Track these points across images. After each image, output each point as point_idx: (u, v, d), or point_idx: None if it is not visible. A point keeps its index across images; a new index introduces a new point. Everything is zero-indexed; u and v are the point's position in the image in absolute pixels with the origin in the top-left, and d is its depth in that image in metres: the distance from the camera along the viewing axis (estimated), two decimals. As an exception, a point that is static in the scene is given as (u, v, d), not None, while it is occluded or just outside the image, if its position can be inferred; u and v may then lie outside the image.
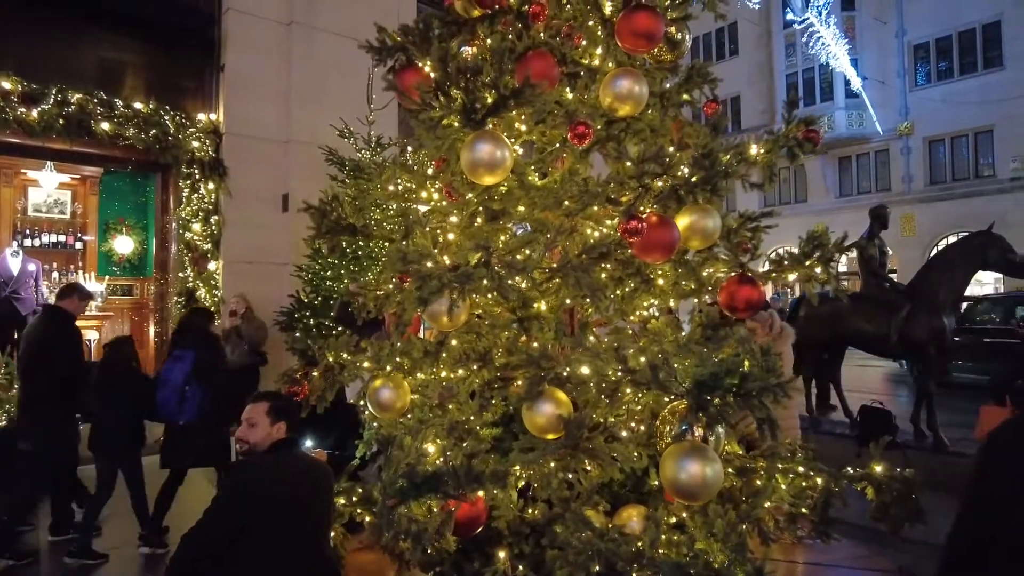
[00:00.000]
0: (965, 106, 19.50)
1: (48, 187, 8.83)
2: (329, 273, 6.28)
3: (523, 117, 2.72)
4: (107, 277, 9.21)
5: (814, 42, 20.34)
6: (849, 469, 2.98)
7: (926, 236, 20.34)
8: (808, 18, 20.33)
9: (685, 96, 3.30)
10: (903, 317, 6.81)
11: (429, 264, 2.38)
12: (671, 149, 3.06)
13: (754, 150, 2.99)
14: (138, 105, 7.06)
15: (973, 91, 19.51)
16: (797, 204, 23.47)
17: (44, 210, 9.07)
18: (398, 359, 2.86)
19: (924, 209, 20.46)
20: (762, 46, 24.15)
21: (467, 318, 2.73)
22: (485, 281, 2.30)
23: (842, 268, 15.98)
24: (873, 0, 21.59)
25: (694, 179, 2.48)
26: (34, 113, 6.53)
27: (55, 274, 8.81)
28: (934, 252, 18.87)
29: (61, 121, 6.68)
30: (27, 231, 8.79)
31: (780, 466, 2.91)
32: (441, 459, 2.56)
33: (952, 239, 19.19)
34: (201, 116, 7.46)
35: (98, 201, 9.30)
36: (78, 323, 5.03)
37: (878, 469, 2.87)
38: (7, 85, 6.40)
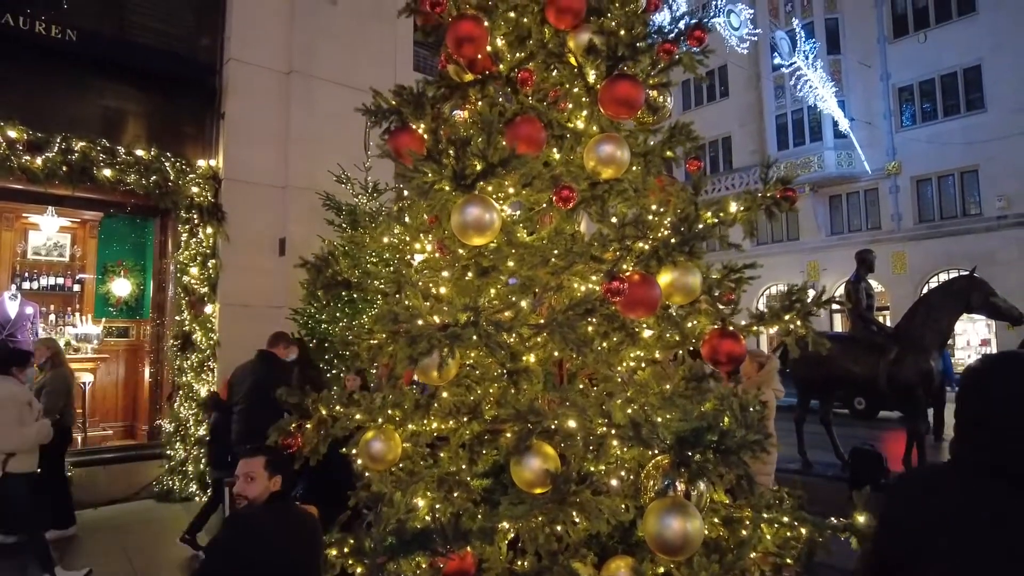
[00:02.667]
0: (950, 146, 19.95)
1: (49, 231, 8.97)
2: (324, 316, 6.37)
3: (511, 180, 2.84)
4: (103, 319, 9.27)
5: (802, 85, 20.87)
6: (833, 519, 3.03)
7: (917, 273, 20.59)
8: (795, 62, 20.90)
9: (669, 153, 3.45)
10: (891, 360, 6.91)
11: (420, 322, 2.47)
12: (654, 207, 3.19)
13: (733, 207, 3.11)
14: (140, 152, 7.21)
15: (957, 132, 19.99)
16: (789, 242, 23.77)
17: (44, 253, 9.18)
18: (390, 411, 2.93)
19: (914, 247, 20.75)
20: (752, 88, 24.75)
21: (457, 371, 2.81)
22: (474, 338, 2.39)
23: (834, 304, 16.15)
24: (857, 45, 22.25)
25: (673, 241, 2.59)
26: (38, 160, 6.66)
27: (52, 316, 8.88)
28: (925, 289, 19.15)
29: (64, 168, 6.81)
30: (26, 274, 8.88)
31: (765, 516, 2.96)
32: (430, 515, 2.61)
33: (943, 276, 19.43)
34: (201, 162, 7.63)
35: (97, 244, 9.42)
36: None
37: (861, 520, 2.92)
38: (13, 134, 6.55)
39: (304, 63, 8.09)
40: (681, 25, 3.19)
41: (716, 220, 2.96)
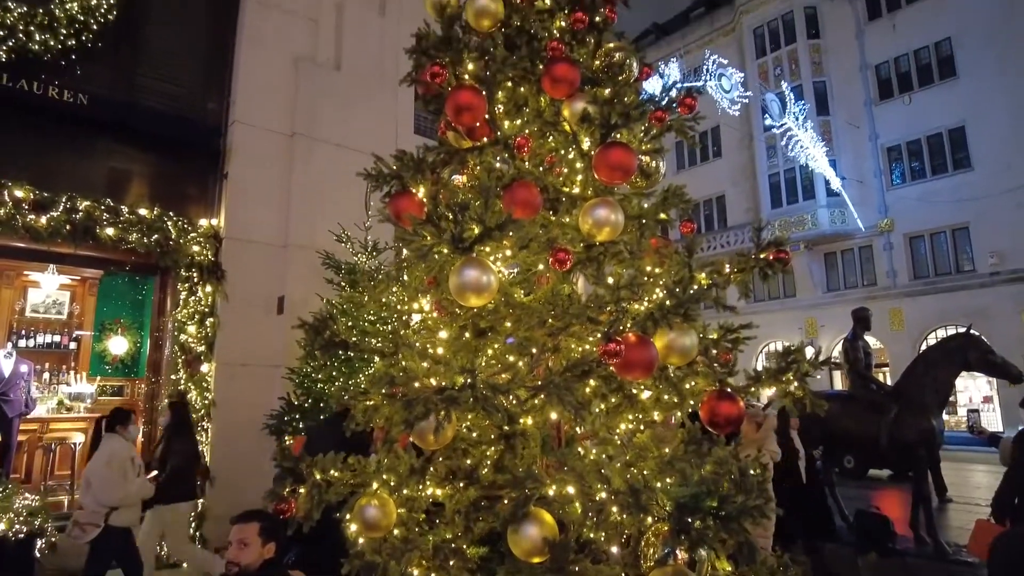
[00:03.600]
0: (940, 204, 20.32)
1: (48, 288, 9.02)
2: (321, 375, 6.33)
3: (508, 242, 2.89)
4: (98, 377, 9.20)
5: (793, 145, 21.41)
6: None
7: (915, 330, 20.61)
8: (786, 123, 21.50)
9: (663, 215, 3.52)
10: (891, 419, 6.84)
11: (416, 385, 2.46)
12: (649, 269, 3.23)
13: (727, 269, 3.15)
14: (143, 211, 7.31)
15: (946, 190, 20.40)
16: (786, 299, 23.87)
17: (42, 310, 9.20)
18: (384, 476, 2.88)
19: (910, 303, 20.84)
20: (744, 148, 25.37)
21: (454, 434, 2.78)
22: (471, 400, 2.38)
23: (835, 359, 16.12)
24: (845, 106, 22.95)
25: (669, 304, 2.62)
26: (43, 220, 6.73)
27: (46, 375, 8.81)
28: (924, 346, 19.13)
29: (68, 227, 6.87)
30: (23, 331, 8.87)
31: (770, 585, 2.88)
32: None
33: (941, 332, 19.46)
34: (203, 221, 7.73)
35: (96, 301, 9.45)
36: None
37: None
38: (20, 193, 6.65)
39: (307, 125, 8.31)
40: (673, 93, 3.31)
41: (711, 282, 2.99)
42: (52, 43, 6.91)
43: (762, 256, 3.11)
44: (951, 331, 18.73)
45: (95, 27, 7.17)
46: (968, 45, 20.35)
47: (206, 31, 8.25)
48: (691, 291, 2.78)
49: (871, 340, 18.44)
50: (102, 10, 7.23)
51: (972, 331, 7.19)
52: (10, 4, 6.70)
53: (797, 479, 6.22)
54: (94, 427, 5.94)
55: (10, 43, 6.67)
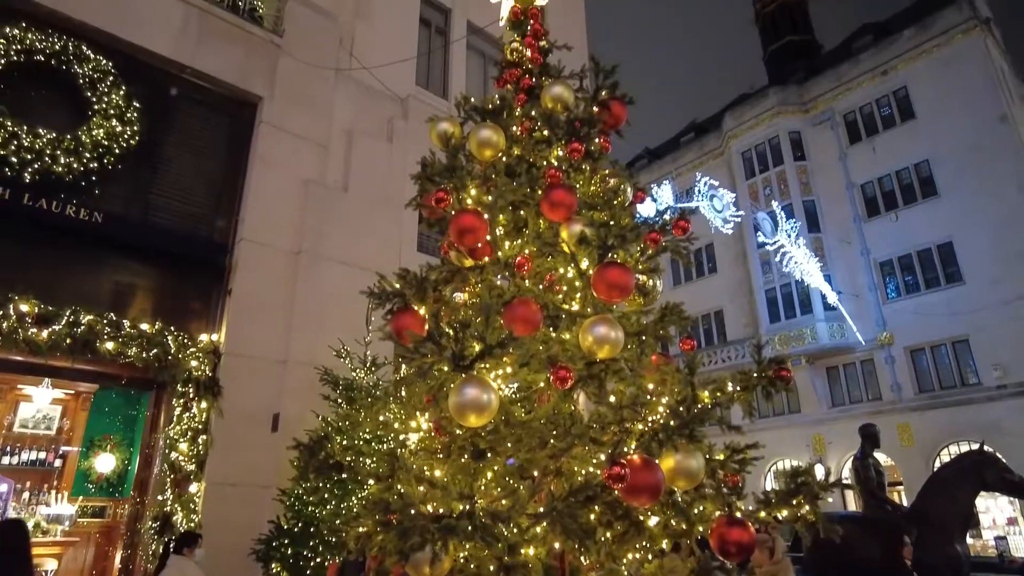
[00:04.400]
0: (937, 317, 20.42)
1: (40, 403, 8.87)
2: (313, 498, 6.07)
3: (508, 360, 2.88)
4: (80, 497, 8.83)
5: (787, 261, 21.88)
6: None
7: (926, 445, 20.02)
8: (779, 240, 22.10)
9: (662, 332, 3.53)
10: (913, 543, 6.47)
11: (412, 512, 2.36)
12: (651, 387, 3.20)
13: (730, 387, 3.12)
14: (144, 326, 7.34)
15: (941, 304, 20.58)
16: (791, 415, 23.39)
17: (31, 426, 8.99)
18: (376, 612, 2.69)
19: (918, 418, 20.41)
20: (739, 264, 25.91)
21: (451, 566, 2.63)
22: (469, 529, 2.27)
23: (845, 480, 15.53)
24: (835, 223, 23.68)
25: (673, 424, 2.56)
26: (44, 333, 6.75)
27: (26, 494, 8.46)
28: (937, 462, 18.52)
29: (68, 340, 6.88)
30: (8, 448, 8.62)
31: None
32: None
33: (953, 448, 18.89)
34: (203, 336, 7.74)
35: (87, 417, 9.26)
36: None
37: None
38: (25, 308, 6.70)
39: (313, 244, 8.54)
40: (667, 216, 3.43)
41: (714, 401, 2.95)
42: (76, 165, 7.26)
43: (764, 374, 3.08)
44: (964, 447, 18.20)
45: (117, 151, 7.56)
46: (946, 166, 21.35)
47: (221, 153, 8.69)
48: (695, 410, 2.73)
49: (882, 457, 17.91)
50: (126, 136, 7.66)
51: (986, 448, 6.98)
52: (40, 131, 7.11)
53: None
54: (162, 551, 5.99)
55: (36, 165, 7.01)
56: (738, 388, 3.14)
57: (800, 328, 22.77)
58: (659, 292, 3.43)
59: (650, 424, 2.69)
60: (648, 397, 3.01)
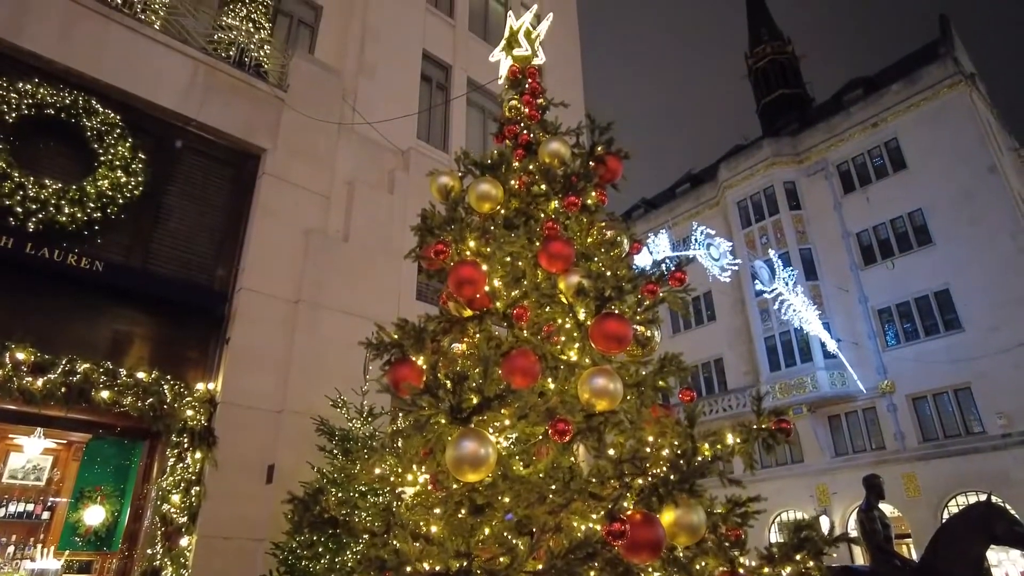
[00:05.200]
0: (937, 365, 20.33)
1: (31, 452, 8.74)
2: (307, 553, 5.92)
3: (507, 412, 2.86)
4: (67, 552, 8.60)
5: (786, 309, 21.90)
6: None
7: (933, 496, 19.64)
8: (776, 288, 22.17)
9: (661, 383, 3.52)
10: (924, 601, 6.29)
11: (407, 569, 2.31)
12: (650, 439, 3.17)
13: (730, 440, 3.09)
14: (141, 374, 7.28)
15: (941, 351, 20.52)
16: (794, 464, 23.03)
17: (20, 476, 8.83)
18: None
19: (923, 468, 20.09)
20: (738, 312, 25.92)
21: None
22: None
23: (852, 533, 15.14)
24: (833, 271, 23.82)
25: (673, 478, 2.53)
26: (39, 382, 6.69)
27: (11, 548, 8.25)
28: (945, 514, 18.13)
29: (63, 389, 6.82)
30: (-4, 500, 8.45)
31: None
32: None
33: (961, 499, 18.52)
34: (200, 385, 7.68)
35: (79, 467, 9.10)
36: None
37: None
38: (21, 356, 6.66)
39: (312, 293, 8.57)
40: (663, 268, 3.47)
41: (714, 453, 2.92)
42: (79, 215, 7.34)
43: (764, 427, 3.07)
44: (972, 498, 17.85)
45: (121, 201, 7.66)
46: (939, 215, 21.63)
47: (223, 203, 8.80)
48: (695, 463, 2.70)
49: (888, 508, 17.55)
50: (130, 186, 7.77)
51: (993, 500, 6.85)
52: (47, 181, 7.22)
53: None
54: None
55: (40, 215, 7.09)
56: (738, 440, 3.12)
57: (800, 376, 22.63)
58: (658, 342, 3.43)
59: (650, 478, 2.65)
60: (648, 450, 2.98)
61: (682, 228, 27.64)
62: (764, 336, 24.18)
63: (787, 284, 22.30)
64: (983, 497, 7.08)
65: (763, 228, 25.62)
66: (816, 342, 22.36)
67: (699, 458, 2.89)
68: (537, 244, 3.41)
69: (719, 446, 3.11)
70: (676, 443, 2.94)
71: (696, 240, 21.12)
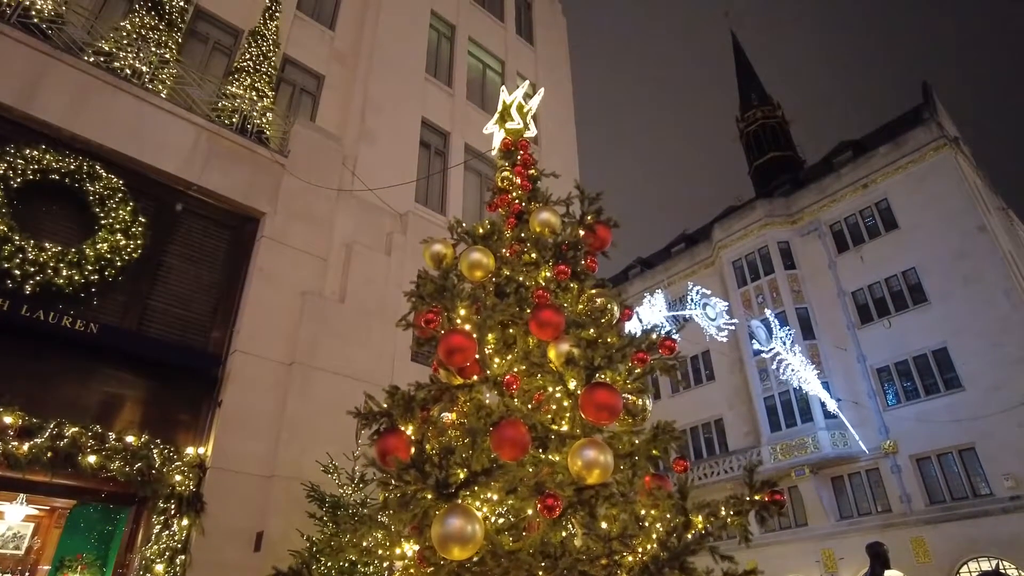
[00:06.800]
0: (939, 424, 20.05)
1: (12, 519, 8.50)
2: (292, 628, 5.68)
3: (495, 486, 2.82)
4: (42, 628, 8.25)
5: (784, 368, 21.75)
6: None
7: (944, 561, 18.99)
8: (774, 347, 22.08)
9: (654, 452, 3.48)
10: None
11: (391, 655, 2.22)
12: (642, 512, 3.11)
13: (723, 512, 3.03)
14: (130, 439, 7.15)
15: (943, 410, 20.26)
16: (798, 528, 22.38)
17: (-1, 545, 8.56)
18: None
19: (932, 532, 19.52)
20: (737, 371, 25.73)
21: None
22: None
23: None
24: (830, 330, 23.79)
25: (663, 556, 2.48)
26: (25, 447, 6.57)
27: (-17, 624, 7.92)
28: (957, 583, 17.49)
29: (49, 454, 6.69)
30: (-27, 571, 8.16)
31: None
32: None
33: (973, 565, 17.90)
34: (189, 449, 7.55)
35: (60, 534, 8.83)
36: None
37: None
38: (8, 420, 6.56)
39: (306, 355, 8.54)
40: (653, 336, 3.49)
41: (706, 528, 2.86)
42: (77, 278, 7.38)
43: (757, 498, 3.02)
44: (984, 564, 17.28)
45: (119, 263, 7.72)
46: (933, 273, 21.80)
47: (221, 266, 8.87)
48: (686, 539, 2.64)
49: (899, 574, 16.96)
50: (129, 249, 7.84)
51: (1006, 565, 6.66)
52: (46, 244, 7.30)
53: None
54: None
55: (38, 278, 7.13)
56: (731, 513, 3.06)
57: (801, 436, 22.27)
58: (649, 411, 3.41)
59: (641, 554, 2.59)
60: (640, 524, 2.92)
61: (678, 287, 27.74)
62: (763, 396, 23.93)
63: (784, 343, 22.24)
64: (995, 564, 6.88)
65: (759, 287, 25.76)
66: (816, 402, 22.11)
67: (691, 532, 2.84)
68: (527, 312, 3.44)
69: (712, 519, 3.05)
70: (668, 516, 2.88)
71: (692, 300, 21.20)
